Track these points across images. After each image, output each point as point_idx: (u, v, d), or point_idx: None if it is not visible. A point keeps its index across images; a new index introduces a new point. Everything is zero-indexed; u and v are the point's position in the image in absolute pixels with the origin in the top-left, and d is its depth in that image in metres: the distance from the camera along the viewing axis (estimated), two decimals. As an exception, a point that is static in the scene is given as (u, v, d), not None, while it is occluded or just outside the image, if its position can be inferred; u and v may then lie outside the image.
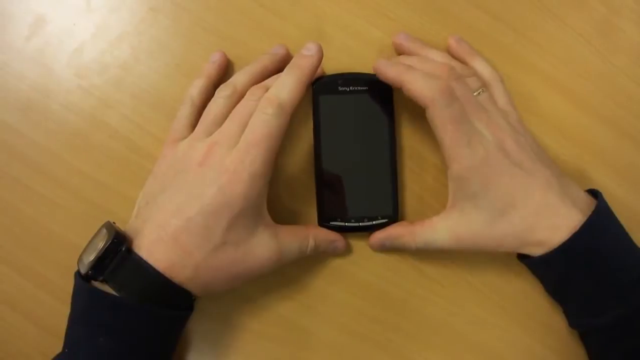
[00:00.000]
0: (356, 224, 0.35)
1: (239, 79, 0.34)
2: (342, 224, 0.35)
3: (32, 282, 0.36)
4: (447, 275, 0.37)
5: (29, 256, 0.37)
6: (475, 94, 0.34)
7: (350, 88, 0.35)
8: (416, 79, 0.31)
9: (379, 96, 0.35)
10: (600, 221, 0.31)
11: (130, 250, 0.29)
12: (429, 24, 0.39)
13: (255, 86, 0.33)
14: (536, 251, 0.32)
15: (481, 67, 0.36)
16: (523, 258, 0.34)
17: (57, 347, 0.35)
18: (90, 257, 0.29)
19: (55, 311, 0.36)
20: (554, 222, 0.31)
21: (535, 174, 0.32)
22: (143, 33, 0.38)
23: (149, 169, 0.36)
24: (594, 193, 0.34)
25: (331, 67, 0.37)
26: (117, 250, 0.29)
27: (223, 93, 0.33)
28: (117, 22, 0.38)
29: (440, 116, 0.31)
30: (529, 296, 0.37)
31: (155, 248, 0.29)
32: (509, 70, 0.38)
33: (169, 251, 0.29)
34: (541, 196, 0.31)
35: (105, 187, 0.37)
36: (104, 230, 0.30)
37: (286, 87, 0.31)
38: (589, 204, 0.32)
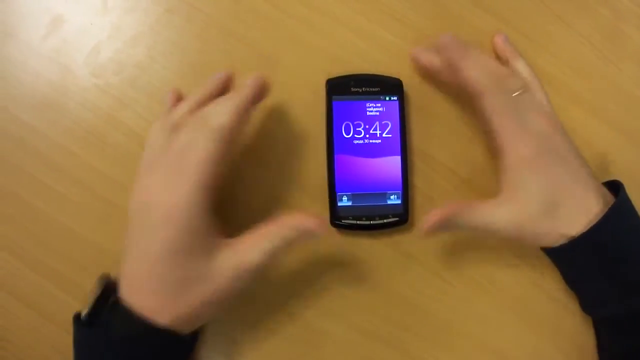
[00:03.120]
0: (367, 222, 0.36)
1: (178, 112, 0.33)
2: (354, 222, 0.36)
3: (46, 278, 0.37)
4: (456, 276, 0.38)
5: (42, 252, 0.37)
6: (516, 93, 0.34)
7: (363, 89, 0.36)
8: (476, 65, 0.33)
9: (390, 97, 0.36)
10: (620, 215, 0.32)
11: (117, 301, 0.30)
12: (440, 28, 0.39)
13: (191, 115, 0.32)
14: (560, 242, 0.33)
15: (522, 69, 0.37)
16: (546, 249, 0.35)
17: (65, 337, 0.35)
18: (86, 310, 0.30)
19: (69, 307, 0.36)
20: (587, 217, 0.32)
21: (578, 170, 0.33)
22: (158, 33, 0.38)
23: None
24: (616, 186, 0.34)
25: (343, 68, 0.38)
26: (108, 302, 0.30)
27: (163, 134, 0.32)
28: (132, 23, 0.38)
29: (497, 105, 0.32)
30: (538, 298, 0.38)
31: (136, 296, 0.30)
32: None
33: (146, 299, 0.29)
34: (581, 192, 0.32)
35: (119, 185, 0.37)
36: (97, 283, 0.31)
37: (220, 113, 0.31)
38: (609, 198, 0.33)
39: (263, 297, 0.37)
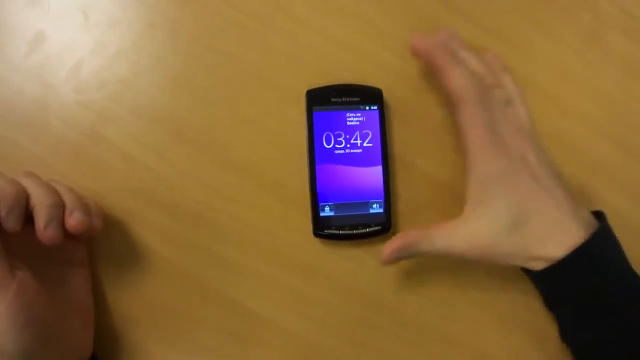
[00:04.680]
0: (350, 232, 0.36)
1: None
2: (337, 232, 0.36)
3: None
4: (440, 282, 0.38)
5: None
6: (499, 105, 0.34)
7: (343, 99, 0.37)
8: (460, 74, 0.32)
9: (370, 106, 0.37)
10: (601, 241, 0.32)
11: None
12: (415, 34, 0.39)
13: None
14: (538, 265, 0.32)
15: (508, 83, 0.37)
16: (526, 271, 0.35)
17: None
18: None
19: None
20: (560, 239, 0.31)
21: (551, 190, 0.32)
22: (141, 48, 0.38)
23: (147, 181, 0.37)
24: (598, 214, 0.34)
25: (324, 79, 0.38)
26: None
27: None
28: (115, 38, 0.38)
29: (472, 116, 0.32)
30: (526, 304, 0.38)
31: None
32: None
33: None
34: (553, 212, 0.32)
35: (104, 199, 0.37)
36: None
37: None
38: (593, 225, 0.33)
39: (242, 306, 0.37)
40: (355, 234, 0.36)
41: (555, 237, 0.32)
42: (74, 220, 0.31)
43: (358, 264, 0.38)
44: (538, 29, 0.41)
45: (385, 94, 0.38)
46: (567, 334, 0.35)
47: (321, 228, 0.36)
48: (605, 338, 0.32)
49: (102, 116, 0.38)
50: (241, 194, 0.38)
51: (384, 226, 0.36)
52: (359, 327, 0.37)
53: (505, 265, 0.33)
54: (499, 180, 0.31)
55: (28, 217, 0.30)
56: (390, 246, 0.33)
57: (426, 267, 0.38)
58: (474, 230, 0.32)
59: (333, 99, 0.37)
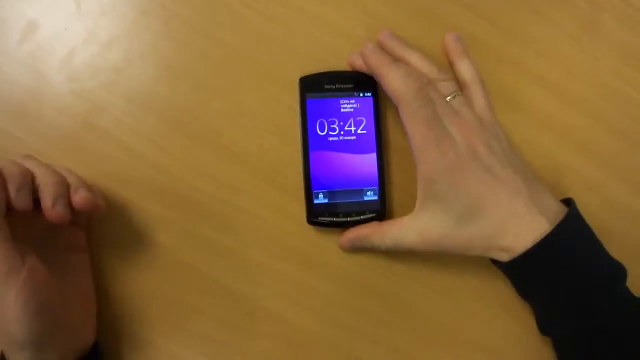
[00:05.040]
0: (344, 219, 0.36)
1: None
2: (331, 219, 0.36)
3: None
4: (438, 270, 0.38)
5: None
6: (448, 98, 0.35)
7: (336, 86, 0.36)
8: (395, 74, 0.32)
9: (364, 93, 0.37)
10: (567, 232, 0.31)
11: None
12: (415, 24, 0.39)
13: None
14: (503, 257, 0.32)
15: (465, 69, 0.37)
16: (493, 261, 0.35)
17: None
18: None
19: None
20: (519, 230, 0.31)
21: (505, 179, 0.32)
22: (134, 36, 0.38)
23: (142, 170, 0.37)
24: (568, 202, 0.34)
25: (317, 66, 0.38)
26: None
27: None
28: (108, 26, 0.38)
29: (412, 115, 0.32)
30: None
31: None
32: (495, 68, 0.39)
33: None
34: (508, 202, 0.32)
35: (99, 188, 0.37)
36: None
37: None
38: (558, 213, 0.32)
39: (239, 296, 0.37)
40: (349, 221, 0.36)
41: (513, 228, 0.31)
42: (80, 197, 0.30)
43: (353, 252, 0.38)
44: (534, 16, 0.40)
45: None
46: (542, 327, 0.35)
47: (315, 215, 0.36)
48: (578, 332, 0.32)
49: (96, 105, 0.37)
50: (237, 182, 0.37)
51: (379, 213, 0.36)
52: (354, 315, 0.37)
53: (463, 256, 0.34)
54: (445, 175, 0.32)
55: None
56: (345, 235, 0.36)
57: (421, 255, 0.38)
58: (423, 225, 0.33)
59: (326, 86, 0.36)
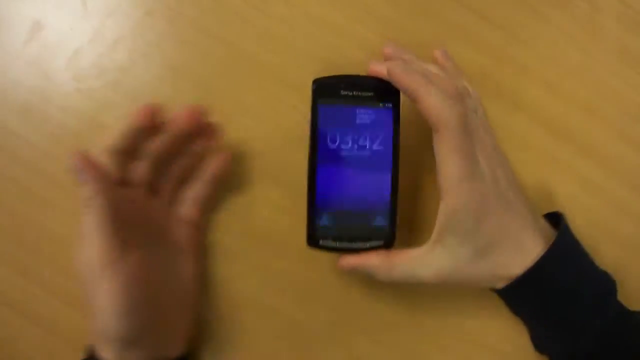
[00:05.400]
0: (348, 245, 0.32)
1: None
2: (334, 244, 0.32)
3: (35, 284, 0.37)
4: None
5: (30, 258, 0.37)
6: (472, 113, 0.32)
7: (354, 93, 0.32)
8: (436, 96, 0.28)
9: (385, 103, 0.32)
10: (556, 254, 0.31)
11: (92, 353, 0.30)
12: (416, 23, 0.40)
13: None
14: (499, 284, 0.32)
15: (467, 85, 0.35)
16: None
17: (61, 347, 0.36)
18: None
19: (56, 310, 0.37)
20: (522, 258, 0.31)
21: (518, 211, 0.32)
22: (139, 36, 0.38)
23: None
24: (557, 217, 0.34)
25: (324, 68, 0.38)
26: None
27: None
28: (113, 26, 0.38)
29: (453, 145, 0.29)
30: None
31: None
32: (496, 67, 0.40)
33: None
34: (518, 235, 0.31)
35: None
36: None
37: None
38: (551, 235, 0.32)
39: (249, 296, 0.37)
40: (354, 247, 0.32)
41: (518, 258, 0.31)
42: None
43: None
44: (533, 15, 0.41)
45: None
46: (536, 346, 0.35)
47: (316, 239, 0.32)
48: (572, 351, 0.32)
49: (102, 104, 0.38)
50: (241, 181, 0.38)
51: (387, 242, 0.33)
52: (356, 312, 0.38)
53: (468, 289, 0.33)
54: (471, 212, 0.30)
55: (152, 189, 0.31)
56: (348, 260, 0.33)
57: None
58: (438, 260, 0.31)
59: (343, 92, 0.31)
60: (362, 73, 0.34)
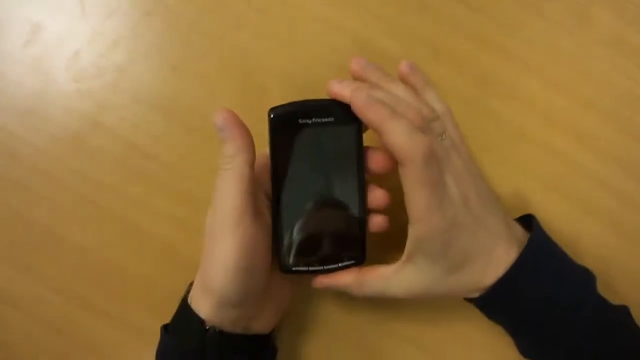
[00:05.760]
0: (320, 267, 0.32)
1: None
2: (306, 268, 0.32)
3: (36, 282, 0.37)
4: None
5: (32, 257, 0.37)
6: (439, 139, 0.32)
7: (313, 120, 0.30)
8: (401, 131, 0.27)
9: (346, 129, 0.31)
10: (530, 258, 0.31)
11: (186, 304, 0.31)
12: (409, 17, 0.40)
13: None
14: (474, 295, 0.32)
15: (434, 100, 0.34)
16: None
17: (63, 344, 0.36)
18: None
19: (59, 309, 0.37)
20: (494, 269, 0.31)
21: (490, 227, 0.31)
22: (138, 37, 0.39)
23: (148, 167, 0.38)
24: (528, 220, 0.34)
25: (319, 64, 0.38)
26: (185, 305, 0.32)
27: None
28: (112, 27, 0.39)
29: (418, 178, 0.28)
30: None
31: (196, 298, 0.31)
32: (491, 60, 0.40)
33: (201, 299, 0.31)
34: (491, 249, 0.31)
35: (106, 187, 0.38)
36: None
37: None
38: (524, 240, 0.32)
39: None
40: (326, 269, 0.32)
41: (490, 269, 0.31)
42: None
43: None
44: (527, 7, 0.41)
45: None
46: (522, 351, 0.35)
47: (289, 265, 0.32)
48: (558, 351, 0.32)
49: (102, 104, 0.38)
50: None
51: (358, 260, 0.33)
52: (365, 304, 0.38)
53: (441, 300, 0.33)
54: (441, 235, 0.29)
55: None
56: (321, 280, 0.33)
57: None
58: (408, 278, 0.31)
59: (301, 121, 0.30)
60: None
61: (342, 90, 0.30)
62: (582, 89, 0.41)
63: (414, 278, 0.31)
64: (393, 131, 0.27)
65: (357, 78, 0.33)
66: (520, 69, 0.40)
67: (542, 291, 0.31)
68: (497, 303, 0.32)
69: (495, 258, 0.31)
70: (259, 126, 0.38)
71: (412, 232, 0.30)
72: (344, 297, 0.37)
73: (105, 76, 0.38)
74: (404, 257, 0.31)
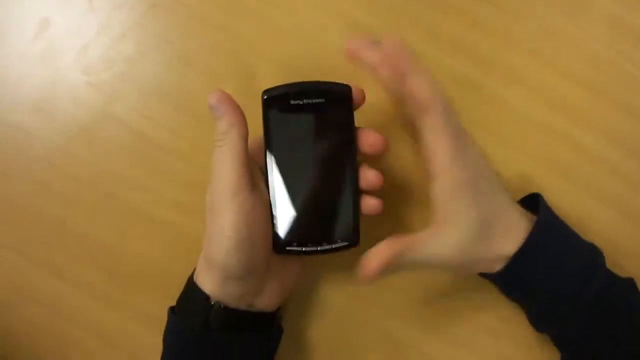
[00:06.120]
0: (314, 248, 0.32)
1: None
2: (300, 248, 0.32)
3: (48, 273, 0.38)
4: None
5: (44, 248, 0.38)
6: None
7: (304, 101, 0.31)
8: (426, 78, 0.29)
9: (337, 109, 0.32)
10: (545, 229, 0.32)
11: (192, 281, 0.32)
12: (420, 8, 0.40)
13: None
14: (497, 267, 0.32)
15: (425, 84, 0.32)
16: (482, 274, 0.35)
17: (81, 334, 0.37)
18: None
19: (70, 297, 0.38)
20: (515, 235, 0.31)
21: (502, 188, 0.33)
22: (145, 28, 0.39)
23: (158, 156, 0.38)
24: (530, 202, 0.34)
25: (326, 51, 0.39)
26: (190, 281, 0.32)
27: None
28: (119, 20, 0.39)
29: (443, 125, 0.29)
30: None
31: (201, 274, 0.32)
32: (489, 43, 0.40)
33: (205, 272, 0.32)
34: (510, 212, 0.32)
35: (116, 177, 0.38)
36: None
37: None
38: (531, 216, 0.33)
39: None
40: (320, 250, 0.32)
41: (510, 236, 0.31)
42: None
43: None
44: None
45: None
46: (536, 325, 0.35)
47: (282, 245, 0.32)
48: (571, 324, 0.32)
49: (112, 96, 0.39)
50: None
51: (351, 240, 0.33)
52: (383, 291, 0.38)
53: (469, 273, 0.34)
54: (468, 188, 0.30)
55: None
56: (376, 259, 0.30)
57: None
58: (455, 236, 0.31)
59: (293, 102, 0.31)
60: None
61: (359, 46, 0.31)
62: (582, 70, 0.41)
63: (451, 241, 0.30)
64: (419, 78, 0.29)
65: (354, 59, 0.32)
66: (515, 49, 0.40)
67: (557, 258, 0.32)
68: (518, 272, 0.32)
69: (514, 223, 0.32)
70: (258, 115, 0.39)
71: (439, 187, 0.30)
72: (350, 281, 0.38)
73: (113, 68, 0.39)
74: (437, 219, 0.31)
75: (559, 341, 0.35)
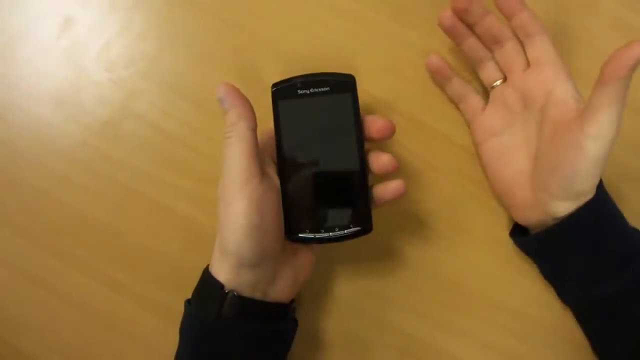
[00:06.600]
0: (326, 235, 0.33)
1: None
2: (312, 235, 0.33)
3: (70, 266, 0.39)
4: (462, 236, 0.40)
5: (67, 241, 0.39)
6: None
7: (311, 90, 0.33)
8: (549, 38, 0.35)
9: (342, 97, 0.33)
10: (602, 198, 0.33)
11: (207, 271, 0.33)
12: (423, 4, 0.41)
13: None
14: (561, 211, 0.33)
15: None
16: (521, 237, 0.36)
17: (98, 328, 0.38)
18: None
19: (90, 290, 0.39)
20: (570, 204, 0.33)
21: None
22: (164, 27, 0.41)
23: (178, 151, 0.40)
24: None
25: (336, 49, 0.40)
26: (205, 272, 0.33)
27: None
28: (139, 19, 0.40)
29: (564, 69, 0.35)
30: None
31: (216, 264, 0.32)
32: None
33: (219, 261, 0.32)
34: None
35: (138, 171, 0.39)
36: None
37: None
38: None
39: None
40: (332, 237, 0.33)
41: (571, 201, 0.33)
42: None
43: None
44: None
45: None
46: (571, 294, 0.36)
47: (294, 232, 0.33)
48: (611, 293, 0.33)
49: (132, 92, 0.40)
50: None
51: (364, 226, 0.33)
52: (381, 281, 0.39)
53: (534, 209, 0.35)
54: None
55: None
56: (623, 59, 0.30)
57: (445, 219, 0.40)
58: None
59: (300, 91, 0.33)
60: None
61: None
62: (587, 69, 0.41)
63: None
64: (548, 37, 0.36)
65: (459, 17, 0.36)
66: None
67: (622, 221, 0.34)
68: (564, 236, 0.33)
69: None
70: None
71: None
72: (363, 276, 0.39)
73: (134, 65, 0.40)
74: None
75: (589, 307, 0.35)
